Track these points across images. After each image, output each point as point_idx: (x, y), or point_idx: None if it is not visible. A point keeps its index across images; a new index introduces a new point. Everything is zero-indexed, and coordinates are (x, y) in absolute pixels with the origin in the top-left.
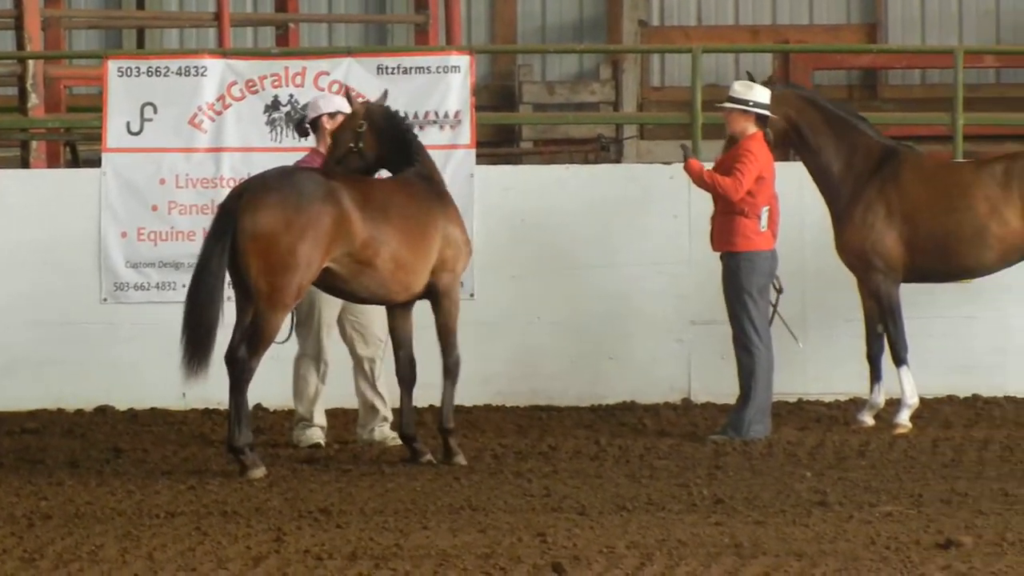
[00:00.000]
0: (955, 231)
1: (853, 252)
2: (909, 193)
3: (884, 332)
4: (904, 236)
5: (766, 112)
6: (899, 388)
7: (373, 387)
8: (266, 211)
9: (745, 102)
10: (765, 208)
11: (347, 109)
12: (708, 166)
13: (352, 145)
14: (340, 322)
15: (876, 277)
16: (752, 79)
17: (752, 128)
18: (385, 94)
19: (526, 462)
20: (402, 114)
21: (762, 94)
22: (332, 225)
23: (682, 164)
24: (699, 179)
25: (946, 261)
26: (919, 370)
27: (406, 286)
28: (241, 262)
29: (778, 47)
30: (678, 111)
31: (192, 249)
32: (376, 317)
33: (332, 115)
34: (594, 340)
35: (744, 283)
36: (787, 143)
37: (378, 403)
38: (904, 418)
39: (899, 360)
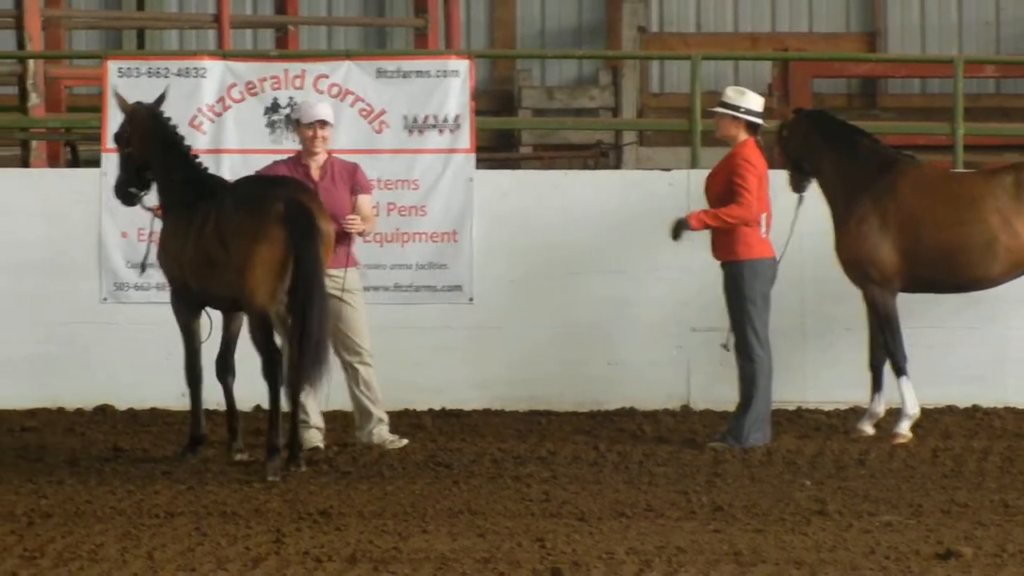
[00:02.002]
0: (963, 242)
1: (849, 262)
2: (908, 203)
3: (883, 344)
4: (901, 247)
5: (757, 120)
6: (899, 398)
7: (361, 391)
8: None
9: (736, 108)
10: (764, 214)
11: (330, 118)
12: (704, 174)
13: (124, 148)
14: None
15: (871, 287)
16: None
17: (743, 135)
18: (163, 94)
19: (525, 467)
20: (169, 116)
21: (754, 101)
22: None
23: (678, 220)
24: (706, 226)
25: (952, 272)
26: (919, 380)
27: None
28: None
29: (777, 55)
30: (677, 117)
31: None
32: (357, 325)
33: (309, 125)
34: (593, 346)
35: (746, 291)
36: (804, 163)
37: (369, 406)
38: (904, 428)
39: (898, 370)
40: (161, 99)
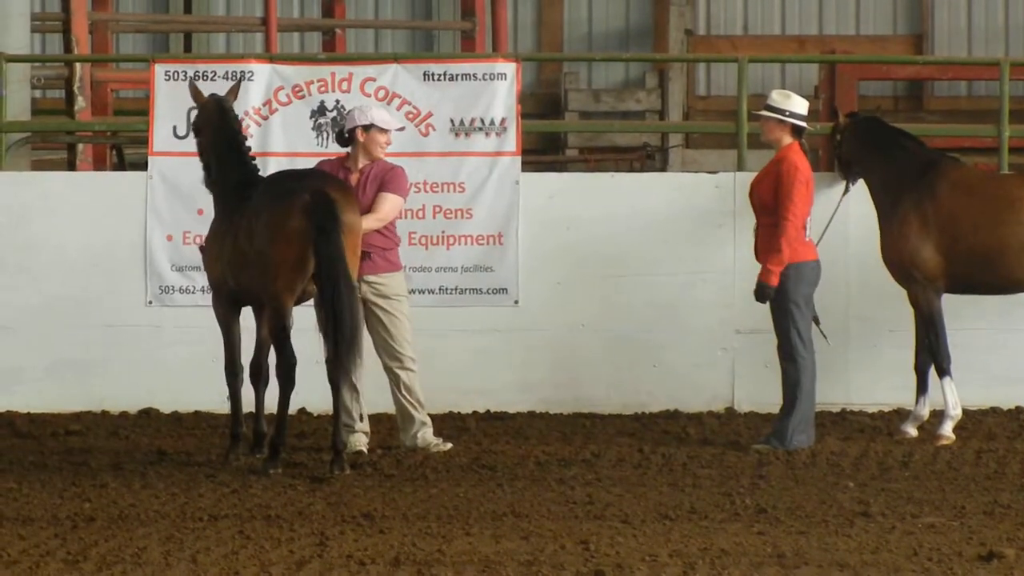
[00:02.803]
0: (1001, 243)
1: (892, 263)
2: (947, 204)
3: (928, 344)
4: (941, 247)
5: (803, 123)
6: (942, 399)
7: (403, 395)
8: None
9: (782, 111)
10: (808, 218)
11: (383, 123)
12: (751, 176)
13: (199, 137)
14: (369, 331)
15: (915, 288)
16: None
17: (788, 138)
18: (238, 83)
19: (569, 469)
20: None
21: (799, 104)
22: None
23: (758, 287)
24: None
25: (994, 273)
26: (962, 382)
27: None
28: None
29: (824, 57)
30: (723, 120)
31: None
32: (398, 331)
33: (366, 128)
34: (638, 348)
35: (790, 293)
36: (854, 168)
37: (411, 410)
38: (947, 429)
39: (942, 371)
40: (234, 92)
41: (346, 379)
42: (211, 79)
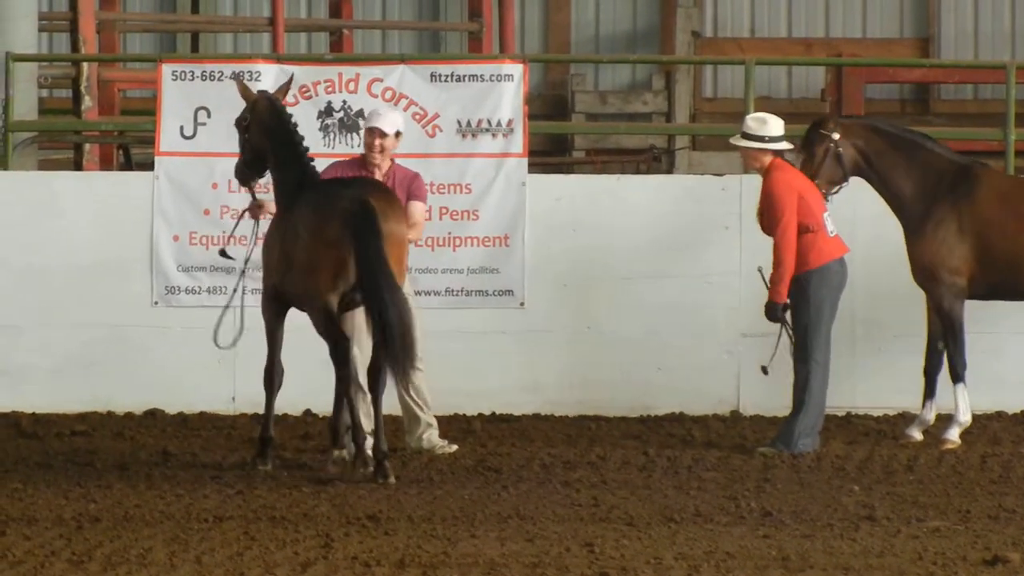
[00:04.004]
0: None
1: (922, 268)
2: (984, 210)
3: (945, 349)
4: (976, 253)
5: (782, 146)
6: (953, 404)
7: (411, 396)
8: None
9: (760, 138)
10: (825, 214)
11: (402, 128)
12: (757, 179)
13: (244, 133)
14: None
15: (943, 292)
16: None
17: (768, 159)
18: (289, 82)
19: (574, 472)
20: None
21: (776, 126)
22: None
23: (767, 306)
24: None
25: (1019, 280)
26: (968, 386)
27: None
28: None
29: (831, 60)
30: (730, 123)
31: (243, 253)
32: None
33: (369, 131)
34: (643, 351)
35: (812, 296)
36: (858, 172)
37: (418, 412)
38: (954, 434)
39: (956, 376)
40: (284, 90)
41: (401, 385)
42: (218, 79)
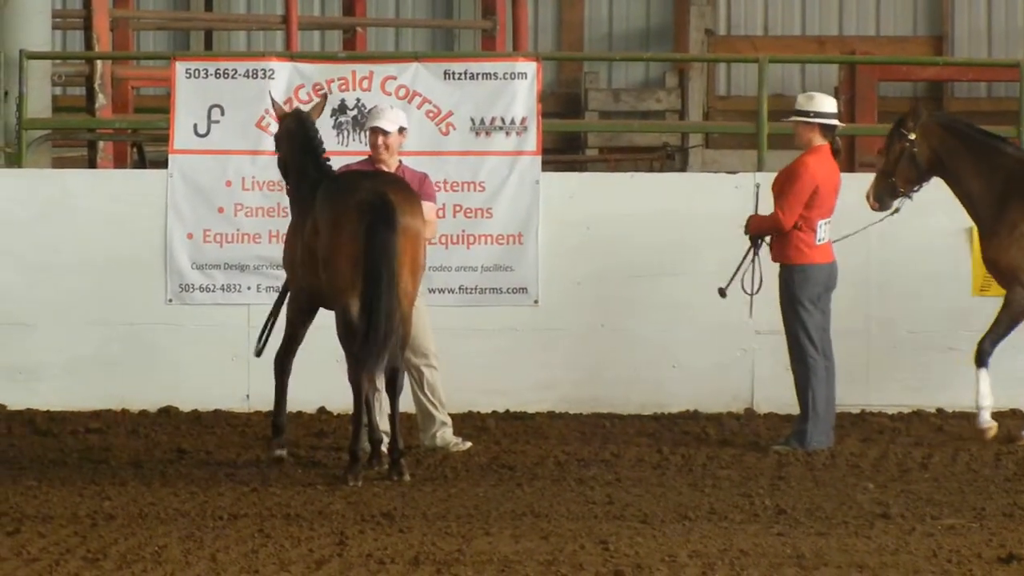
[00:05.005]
0: None
1: (1000, 270)
2: None
3: (988, 333)
4: None
5: (831, 121)
6: (975, 388)
7: (425, 394)
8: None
9: (806, 113)
10: (822, 221)
11: (405, 123)
12: (770, 177)
13: (278, 151)
14: None
15: (1018, 290)
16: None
17: (818, 139)
18: (324, 99)
19: (588, 470)
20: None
21: (825, 103)
22: None
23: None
24: (757, 229)
25: None
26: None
27: None
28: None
29: (844, 58)
30: (744, 120)
31: (257, 251)
32: (422, 328)
33: (371, 131)
34: (657, 348)
35: (797, 294)
36: (935, 172)
37: (432, 410)
38: (986, 417)
39: (982, 361)
40: (319, 109)
41: (367, 379)
42: (232, 77)
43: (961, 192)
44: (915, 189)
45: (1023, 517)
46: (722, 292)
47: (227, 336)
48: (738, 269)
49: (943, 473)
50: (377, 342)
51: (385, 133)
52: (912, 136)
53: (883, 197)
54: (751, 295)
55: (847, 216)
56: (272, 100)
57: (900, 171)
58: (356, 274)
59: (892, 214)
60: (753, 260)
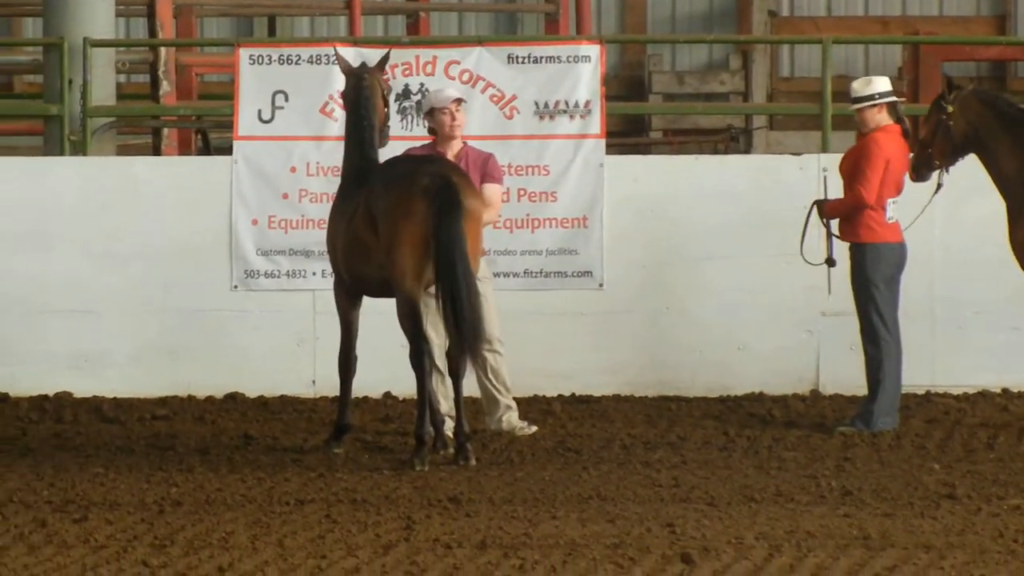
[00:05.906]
0: None
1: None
2: None
3: None
4: None
5: (893, 99)
6: None
7: (489, 379)
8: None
9: (870, 97)
10: (890, 200)
11: (438, 103)
12: (836, 159)
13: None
14: None
15: None
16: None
17: (885, 119)
18: (387, 55)
19: (655, 452)
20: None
21: (881, 83)
22: None
23: (816, 202)
24: (835, 213)
25: None
26: None
27: None
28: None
29: (907, 39)
30: (807, 102)
31: (322, 237)
32: (488, 313)
33: (429, 114)
34: (723, 330)
35: (870, 274)
36: (970, 147)
37: (496, 394)
38: None
39: None
40: (380, 66)
41: (475, 366)
42: (295, 63)
43: (994, 170)
44: (952, 163)
45: None
46: (831, 261)
47: (292, 322)
48: (828, 238)
49: (1008, 453)
50: (474, 323)
51: (458, 102)
52: (950, 109)
53: (920, 169)
54: (828, 266)
55: (906, 197)
56: (337, 54)
57: (937, 144)
58: (423, 260)
59: (936, 192)
60: (829, 236)
